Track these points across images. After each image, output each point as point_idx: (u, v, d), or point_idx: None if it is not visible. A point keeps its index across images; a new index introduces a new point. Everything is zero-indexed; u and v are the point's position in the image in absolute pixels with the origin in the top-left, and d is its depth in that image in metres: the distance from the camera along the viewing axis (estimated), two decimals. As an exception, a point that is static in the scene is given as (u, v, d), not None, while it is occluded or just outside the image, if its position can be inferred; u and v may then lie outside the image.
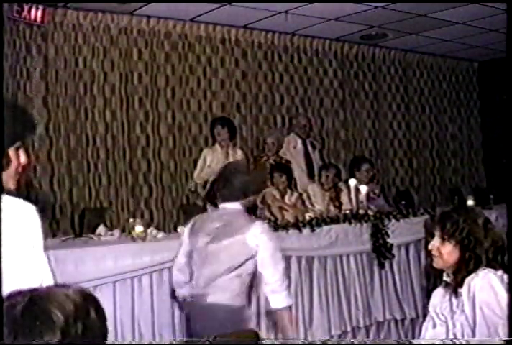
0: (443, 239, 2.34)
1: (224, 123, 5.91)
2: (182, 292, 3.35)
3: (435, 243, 2.35)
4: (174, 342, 2.03)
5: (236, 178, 3.20)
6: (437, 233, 2.36)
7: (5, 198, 1.68)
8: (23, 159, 1.78)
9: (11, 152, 1.75)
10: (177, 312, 3.78)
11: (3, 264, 1.68)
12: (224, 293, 3.03)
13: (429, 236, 2.42)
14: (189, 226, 3.34)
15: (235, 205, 3.19)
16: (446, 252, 2.33)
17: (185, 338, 2.05)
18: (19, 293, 1.17)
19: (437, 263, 2.37)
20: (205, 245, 3.13)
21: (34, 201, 1.77)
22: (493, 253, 2.29)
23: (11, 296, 1.16)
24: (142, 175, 6.41)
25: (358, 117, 7.99)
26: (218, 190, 3.28)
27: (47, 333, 1.11)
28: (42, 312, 1.13)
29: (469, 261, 2.29)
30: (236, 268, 3.05)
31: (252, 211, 3.58)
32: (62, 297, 1.17)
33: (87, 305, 1.19)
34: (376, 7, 6.29)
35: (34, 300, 1.15)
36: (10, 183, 1.78)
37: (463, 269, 2.29)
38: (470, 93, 9.17)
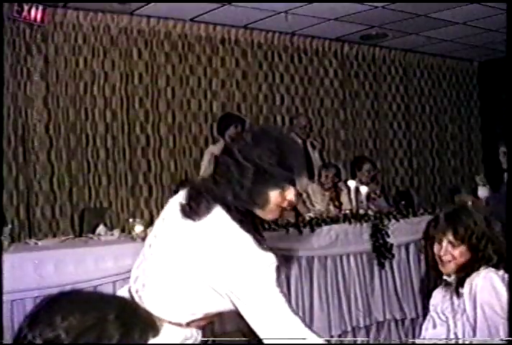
0: (453, 243, 2.31)
1: (243, 123, 6.04)
2: None
3: (447, 248, 2.32)
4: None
5: None
6: (448, 238, 2.32)
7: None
8: (290, 197, 1.84)
9: (272, 193, 1.81)
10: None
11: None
12: None
13: (430, 239, 2.38)
14: None
15: None
16: (458, 256, 2.30)
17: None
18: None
19: (449, 267, 2.33)
20: None
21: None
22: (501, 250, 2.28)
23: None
24: (142, 175, 6.40)
25: (358, 117, 7.98)
26: None
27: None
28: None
29: (479, 261, 2.27)
30: None
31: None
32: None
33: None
34: (376, 7, 6.29)
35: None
36: (268, 217, 1.89)
37: (468, 269, 2.28)
38: (470, 93, 9.16)
